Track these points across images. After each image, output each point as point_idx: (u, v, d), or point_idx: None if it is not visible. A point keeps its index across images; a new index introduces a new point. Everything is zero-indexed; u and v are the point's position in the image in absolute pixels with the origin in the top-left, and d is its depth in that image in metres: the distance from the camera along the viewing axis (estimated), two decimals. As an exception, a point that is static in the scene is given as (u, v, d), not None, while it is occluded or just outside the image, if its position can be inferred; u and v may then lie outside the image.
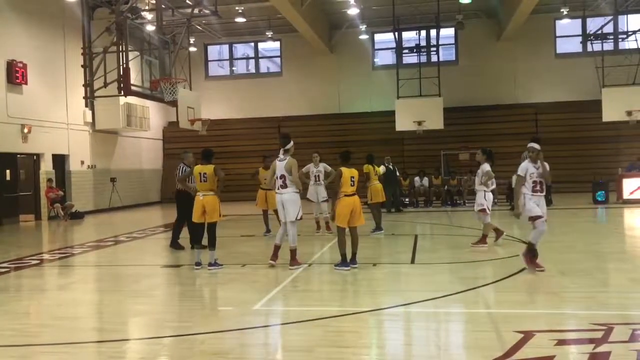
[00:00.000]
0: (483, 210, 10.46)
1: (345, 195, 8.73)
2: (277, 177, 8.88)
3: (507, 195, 20.22)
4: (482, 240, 10.51)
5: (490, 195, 10.53)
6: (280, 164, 8.87)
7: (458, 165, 24.39)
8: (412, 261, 9.45)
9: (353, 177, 8.82)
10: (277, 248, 9.04)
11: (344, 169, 8.80)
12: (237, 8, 21.97)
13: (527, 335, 5.11)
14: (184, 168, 10.72)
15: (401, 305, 6.53)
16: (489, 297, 6.72)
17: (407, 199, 20.26)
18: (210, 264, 8.99)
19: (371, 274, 8.54)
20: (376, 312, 6.26)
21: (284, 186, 8.83)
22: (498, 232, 10.70)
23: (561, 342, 5.03)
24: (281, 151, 8.96)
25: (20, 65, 18.22)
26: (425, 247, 11.15)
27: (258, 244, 11.75)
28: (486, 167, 10.41)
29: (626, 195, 18.70)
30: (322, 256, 10.14)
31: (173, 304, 7.23)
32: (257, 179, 13.17)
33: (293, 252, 8.93)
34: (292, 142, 9.05)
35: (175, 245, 11.34)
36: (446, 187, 20.54)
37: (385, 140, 25.16)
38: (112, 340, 5.60)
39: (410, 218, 16.65)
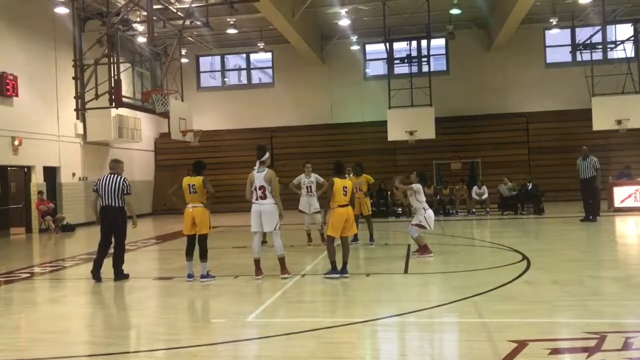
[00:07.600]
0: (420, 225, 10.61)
1: (339, 206, 8.75)
2: (255, 188, 8.82)
3: (499, 204, 20.34)
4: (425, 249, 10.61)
5: (430, 212, 10.79)
6: (259, 175, 8.80)
7: (450, 174, 24.51)
8: (406, 271, 9.44)
9: (346, 187, 8.84)
10: (257, 262, 8.99)
11: (336, 180, 8.82)
12: (228, 19, 22.02)
13: (521, 345, 5.11)
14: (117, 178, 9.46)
15: (395, 315, 6.52)
16: (483, 306, 6.71)
17: (399, 209, 20.27)
18: (202, 276, 8.96)
19: (364, 284, 8.53)
20: (370, 322, 6.24)
21: (264, 197, 8.78)
22: (427, 249, 10.65)
23: (555, 351, 5.04)
24: (257, 163, 8.92)
25: (11, 77, 18.16)
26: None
27: (250, 255, 11.63)
28: (417, 187, 10.82)
29: (617, 203, 18.82)
30: (315, 267, 10.10)
31: (165, 316, 7.17)
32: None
33: (282, 260, 8.91)
34: (267, 154, 9.01)
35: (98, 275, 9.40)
36: (438, 196, 20.58)
37: (377, 150, 25.26)
38: (105, 353, 5.54)
39: (402, 227, 16.61)
